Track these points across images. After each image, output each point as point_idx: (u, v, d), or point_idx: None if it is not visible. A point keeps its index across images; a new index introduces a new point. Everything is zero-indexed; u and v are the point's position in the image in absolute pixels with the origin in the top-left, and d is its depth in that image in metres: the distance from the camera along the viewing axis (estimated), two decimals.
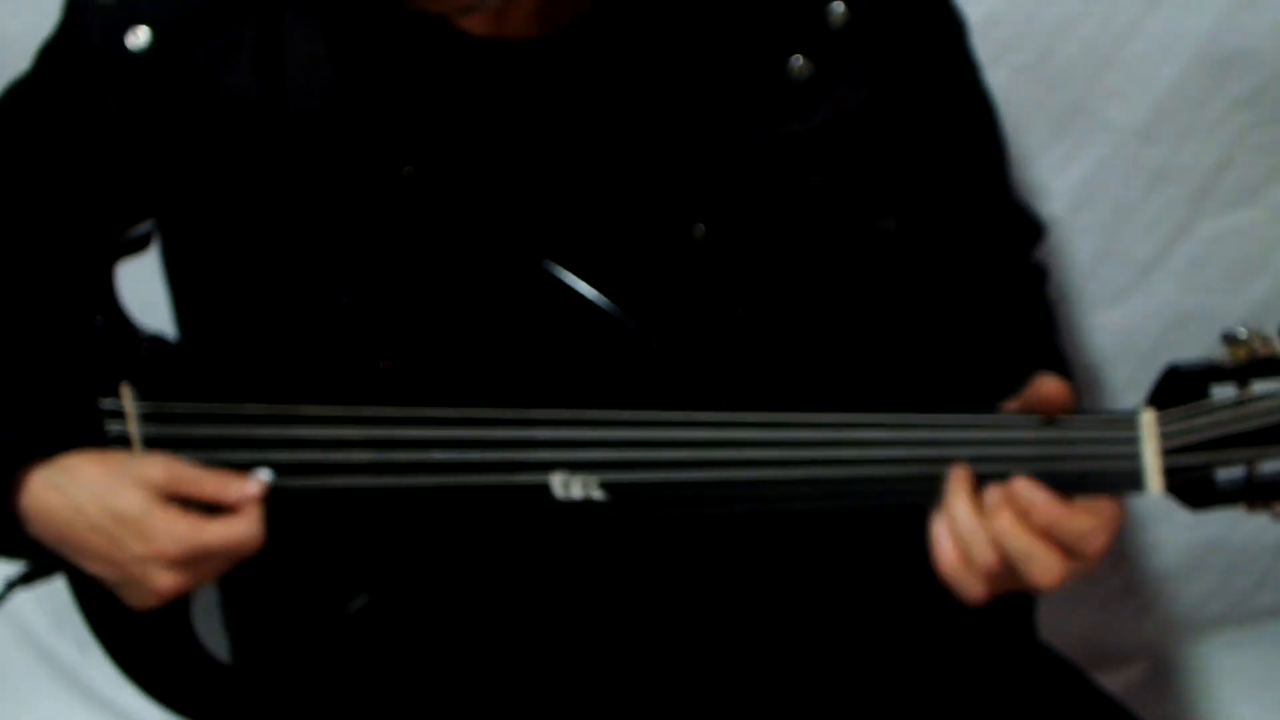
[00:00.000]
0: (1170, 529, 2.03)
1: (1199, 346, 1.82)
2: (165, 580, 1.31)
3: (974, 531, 1.15)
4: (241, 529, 1.32)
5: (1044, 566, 1.13)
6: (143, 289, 1.50)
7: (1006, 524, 1.14)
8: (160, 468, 1.33)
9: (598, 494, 1.27)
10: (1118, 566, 2.07)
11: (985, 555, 1.15)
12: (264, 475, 1.35)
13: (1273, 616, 2.10)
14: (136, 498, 1.31)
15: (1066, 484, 1.15)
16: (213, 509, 1.34)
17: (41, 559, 1.41)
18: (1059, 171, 1.84)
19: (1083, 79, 1.79)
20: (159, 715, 1.56)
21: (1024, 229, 1.51)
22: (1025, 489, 1.14)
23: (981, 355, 1.39)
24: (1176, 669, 2.12)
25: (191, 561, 1.32)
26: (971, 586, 1.16)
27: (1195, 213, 1.85)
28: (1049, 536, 1.14)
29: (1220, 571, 2.07)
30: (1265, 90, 1.79)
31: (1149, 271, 1.89)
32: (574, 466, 1.27)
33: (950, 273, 1.43)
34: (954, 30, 1.39)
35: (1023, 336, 1.43)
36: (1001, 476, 1.16)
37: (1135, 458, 1.13)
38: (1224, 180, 1.84)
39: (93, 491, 1.32)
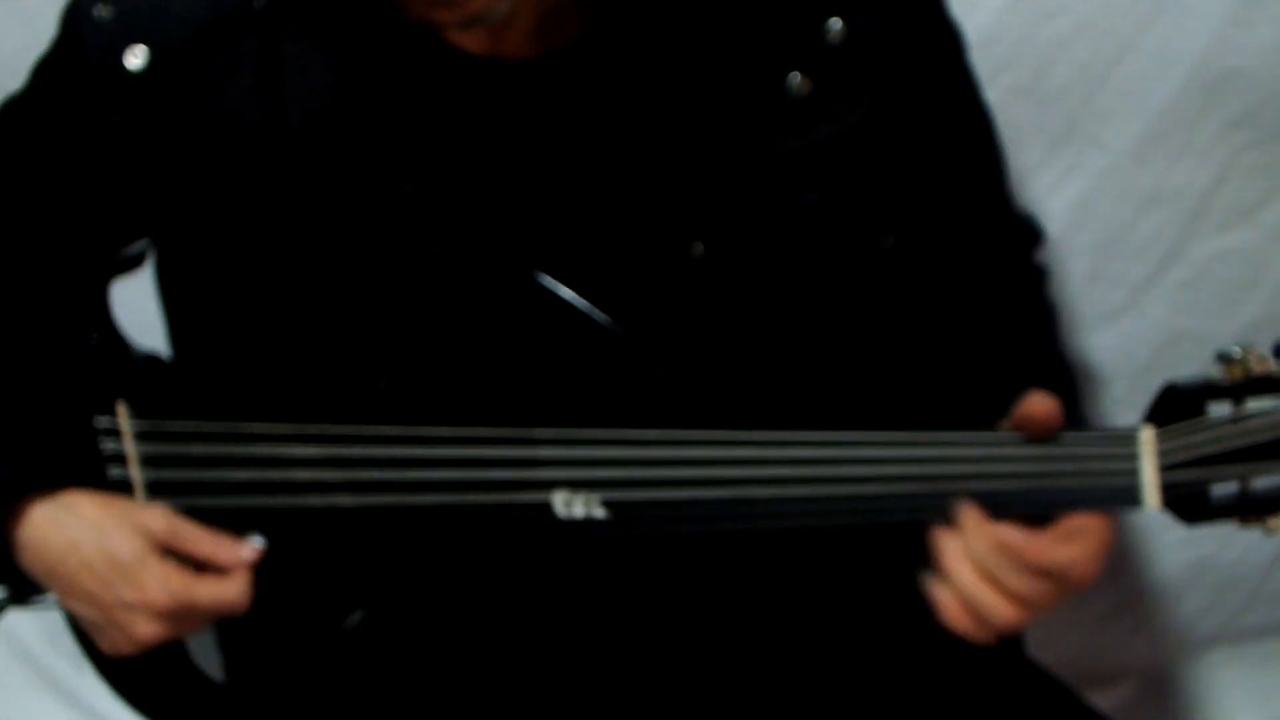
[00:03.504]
0: (1161, 548, 2.03)
1: (1191, 367, 1.83)
2: (147, 630, 1.34)
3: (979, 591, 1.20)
4: (231, 591, 1.35)
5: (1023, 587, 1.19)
6: (134, 309, 1.52)
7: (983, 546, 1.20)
8: (161, 519, 1.36)
9: (599, 512, 1.29)
10: (1109, 585, 2.06)
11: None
12: (257, 542, 1.37)
13: (1264, 635, 2.09)
14: (134, 544, 1.34)
15: (1065, 499, 1.19)
16: (202, 567, 1.36)
17: (27, 589, 1.42)
18: (1052, 192, 1.84)
19: (1076, 100, 1.80)
20: None
21: (1023, 234, 1.54)
22: (1008, 535, 1.19)
23: (983, 363, 1.41)
24: (1168, 687, 2.11)
25: (176, 615, 1.34)
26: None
27: (1188, 234, 1.85)
28: (1036, 572, 1.18)
29: (1211, 590, 2.06)
30: (1259, 111, 1.79)
31: (1141, 292, 1.89)
32: (576, 485, 1.29)
33: (950, 281, 1.45)
34: (951, 43, 1.42)
35: (1025, 338, 1.45)
36: (1002, 494, 1.20)
37: (1134, 474, 1.17)
38: (1217, 201, 1.84)
39: (91, 532, 1.34)
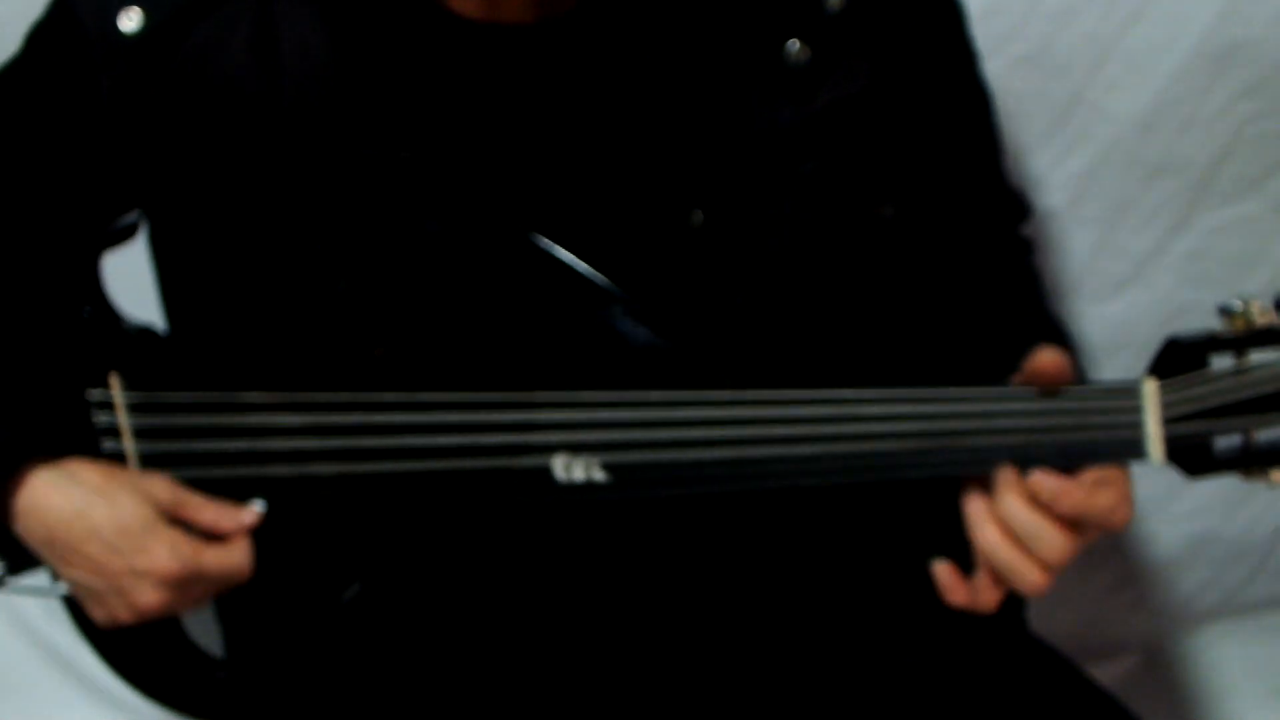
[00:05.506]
0: (1164, 521, 2.05)
1: None
2: (151, 597, 1.34)
3: (1030, 522, 1.20)
4: (236, 557, 1.36)
5: (1051, 545, 1.18)
6: (125, 282, 1.52)
7: (1014, 504, 1.20)
8: (166, 487, 1.36)
9: (599, 475, 1.29)
10: (1111, 558, 2.08)
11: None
12: (257, 507, 1.38)
13: (1266, 608, 2.12)
14: (143, 511, 1.34)
15: (1069, 453, 1.19)
16: (204, 536, 1.36)
17: (17, 558, 1.42)
18: (1058, 163, 1.86)
19: (1083, 70, 1.81)
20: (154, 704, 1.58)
21: (1013, 207, 1.55)
22: (1043, 482, 1.19)
23: (979, 327, 1.42)
24: (1170, 661, 2.13)
25: (183, 583, 1.34)
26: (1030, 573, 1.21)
27: (1194, 205, 1.87)
28: (1072, 522, 1.19)
29: (1214, 563, 2.08)
30: (1266, 82, 1.80)
31: (1147, 264, 1.90)
32: (576, 448, 1.29)
33: (944, 250, 1.46)
34: (952, 14, 1.42)
35: (1016, 303, 1.47)
36: (1006, 448, 1.20)
37: (1137, 426, 1.18)
38: (1223, 172, 1.85)
39: (98, 499, 1.34)
